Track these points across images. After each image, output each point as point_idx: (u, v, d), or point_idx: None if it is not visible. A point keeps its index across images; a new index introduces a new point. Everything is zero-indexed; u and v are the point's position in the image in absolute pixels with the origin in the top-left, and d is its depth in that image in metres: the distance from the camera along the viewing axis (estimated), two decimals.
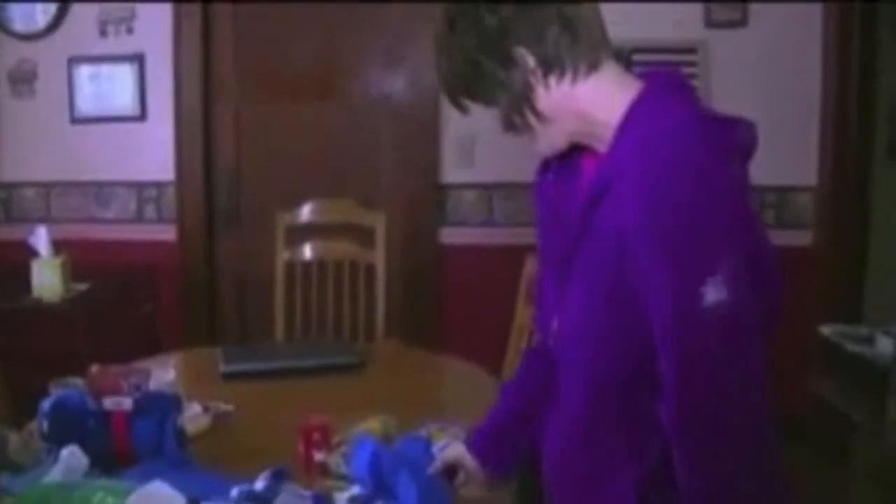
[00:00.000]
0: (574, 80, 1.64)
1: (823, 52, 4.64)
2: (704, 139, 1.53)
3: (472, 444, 2.02)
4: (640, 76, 1.69)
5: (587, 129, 1.67)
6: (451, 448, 2.06)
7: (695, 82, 4.58)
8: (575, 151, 1.76)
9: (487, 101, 1.70)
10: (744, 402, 1.48)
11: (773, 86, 4.61)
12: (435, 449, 2.02)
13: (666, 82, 1.67)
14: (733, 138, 1.60)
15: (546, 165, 1.85)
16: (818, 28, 4.63)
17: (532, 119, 1.67)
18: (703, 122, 1.59)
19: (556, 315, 1.78)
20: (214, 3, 4.94)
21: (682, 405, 1.49)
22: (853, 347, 3.93)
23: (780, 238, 4.57)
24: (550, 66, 1.63)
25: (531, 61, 1.63)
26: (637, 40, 4.57)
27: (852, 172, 4.67)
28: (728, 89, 4.58)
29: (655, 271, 1.49)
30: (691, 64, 4.60)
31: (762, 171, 4.64)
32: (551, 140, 1.72)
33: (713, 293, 1.43)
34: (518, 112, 1.67)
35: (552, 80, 1.64)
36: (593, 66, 1.65)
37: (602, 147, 1.66)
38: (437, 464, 1.99)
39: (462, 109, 1.75)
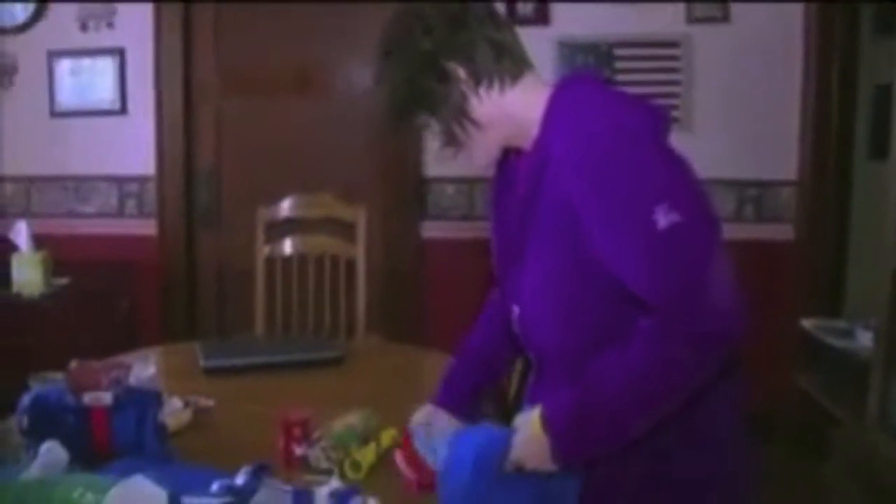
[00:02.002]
0: (502, 89, 1.84)
1: (805, 47, 4.65)
2: (619, 102, 1.75)
3: (440, 400, 2.23)
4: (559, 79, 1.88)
5: (518, 130, 1.86)
6: (419, 412, 2.22)
7: (677, 76, 4.59)
8: (511, 156, 1.95)
9: (429, 114, 1.88)
10: (720, 309, 1.58)
11: (754, 80, 4.63)
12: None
13: (580, 75, 1.92)
14: (649, 110, 1.76)
15: (496, 177, 2.04)
16: (800, 23, 4.65)
17: (470, 128, 1.85)
18: (617, 94, 1.80)
19: (515, 303, 1.93)
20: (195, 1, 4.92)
21: (667, 324, 1.59)
22: (833, 341, 3.95)
23: (761, 232, 4.66)
24: (480, 77, 1.83)
25: (463, 74, 1.82)
26: (619, 35, 4.58)
27: (833, 167, 4.69)
28: (710, 84, 4.60)
29: (607, 222, 1.64)
30: (673, 58, 4.61)
31: (743, 165, 4.67)
32: (488, 146, 1.90)
33: (664, 219, 1.56)
34: (457, 122, 1.85)
35: (482, 91, 1.83)
36: (516, 77, 1.86)
37: (527, 142, 1.85)
38: (411, 427, 2.15)
39: (404, 130, 2.01)
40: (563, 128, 1.72)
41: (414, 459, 2.06)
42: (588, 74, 1.93)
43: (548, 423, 1.68)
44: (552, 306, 1.81)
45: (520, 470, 1.72)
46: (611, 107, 1.72)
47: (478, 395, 2.28)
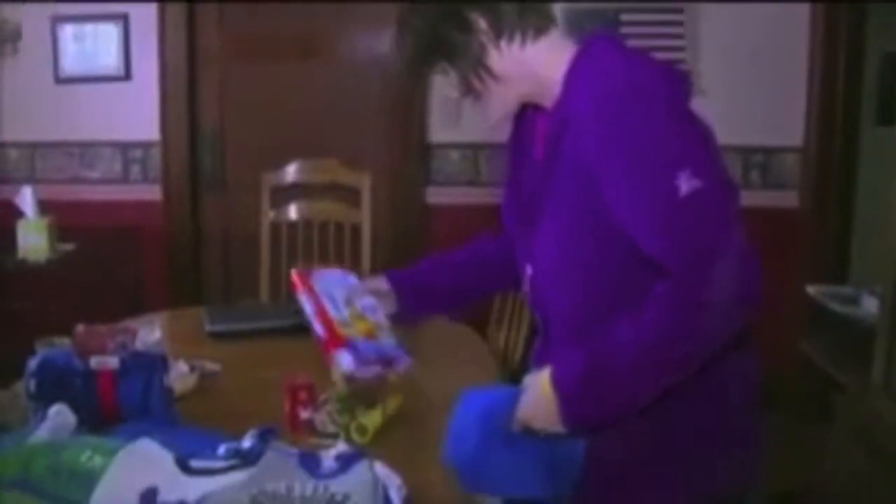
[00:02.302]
0: (523, 43, 1.81)
1: (812, 12, 4.63)
2: (643, 66, 1.72)
3: (392, 275, 2.23)
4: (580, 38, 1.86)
5: (537, 87, 1.84)
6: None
7: (682, 42, 4.57)
8: (528, 113, 1.94)
9: (447, 63, 1.84)
10: (737, 278, 1.59)
11: (760, 45, 4.60)
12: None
13: (601, 37, 1.84)
14: (672, 73, 1.75)
15: (513, 132, 2.03)
16: None
17: (488, 80, 1.82)
18: (645, 57, 1.79)
19: (529, 262, 1.92)
20: None
21: (683, 291, 1.59)
22: (839, 307, 3.94)
23: (766, 199, 4.64)
24: (501, 30, 1.80)
25: (484, 25, 1.79)
26: None
27: (839, 133, 4.67)
28: (716, 48, 4.57)
29: (628, 186, 1.64)
30: (678, 24, 4.58)
31: (748, 131, 4.64)
32: (504, 100, 1.87)
33: (686, 185, 1.57)
34: (475, 73, 1.82)
35: (503, 44, 1.80)
36: (540, 33, 1.82)
37: (548, 100, 1.83)
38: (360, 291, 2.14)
39: (419, 79, 1.93)
40: (586, 89, 1.70)
41: (318, 305, 2.04)
42: (611, 36, 1.89)
43: (556, 383, 1.68)
44: (566, 268, 1.81)
45: (527, 430, 1.72)
46: (635, 69, 1.71)
47: (427, 297, 2.25)
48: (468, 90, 1.85)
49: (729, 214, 1.61)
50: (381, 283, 2.21)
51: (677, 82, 1.72)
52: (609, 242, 1.71)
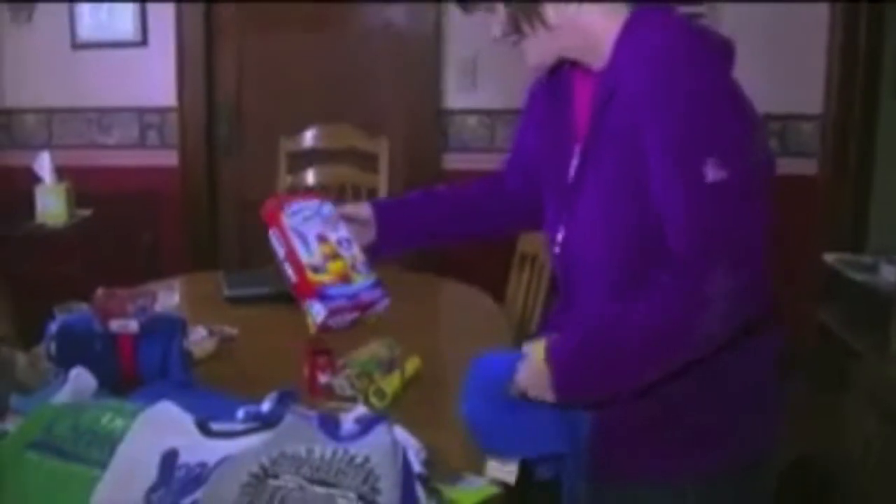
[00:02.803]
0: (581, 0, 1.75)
1: None
2: (698, 41, 1.69)
3: (375, 205, 2.15)
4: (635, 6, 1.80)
5: (584, 46, 1.79)
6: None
7: (703, 9, 4.53)
8: (563, 71, 1.89)
9: (502, 1, 1.77)
10: (745, 277, 1.60)
11: (780, 12, 4.56)
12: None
13: (656, 8, 1.78)
14: (724, 45, 1.72)
15: (538, 86, 2.00)
16: None
17: (538, 26, 1.76)
18: (697, 32, 1.72)
19: (562, 226, 1.88)
20: None
21: (691, 275, 1.60)
22: (857, 275, 3.94)
23: (785, 167, 4.52)
24: None
25: None
26: None
27: (859, 101, 4.64)
28: (736, 14, 4.53)
29: (663, 159, 1.63)
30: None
31: (767, 98, 4.62)
32: (547, 50, 1.81)
33: (713, 173, 1.56)
34: (527, 17, 1.76)
35: None
36: None
37: (596, 63, 1.78)
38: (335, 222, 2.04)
39: (466, 11, 1.87)
40: (642, 64, 1.67)
41: (289, 247, 1.96)
42: (667, 7, 1.81)
43: (551, 354, 1.69)
44: (605, 237, 1.78)
45: (524, 397, 1.73)
46: (691, 46, 1.67)
47: (407, 232, 2.18)
48: (513, 31, 1.79)
49: (747, 209, 1.61)
50: (363, 210, 2.13)
51: (726, 55, 1.70)
52: (651, 215, 1.69)
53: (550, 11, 1.74)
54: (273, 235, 1.98)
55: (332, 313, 1.90)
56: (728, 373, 1.76)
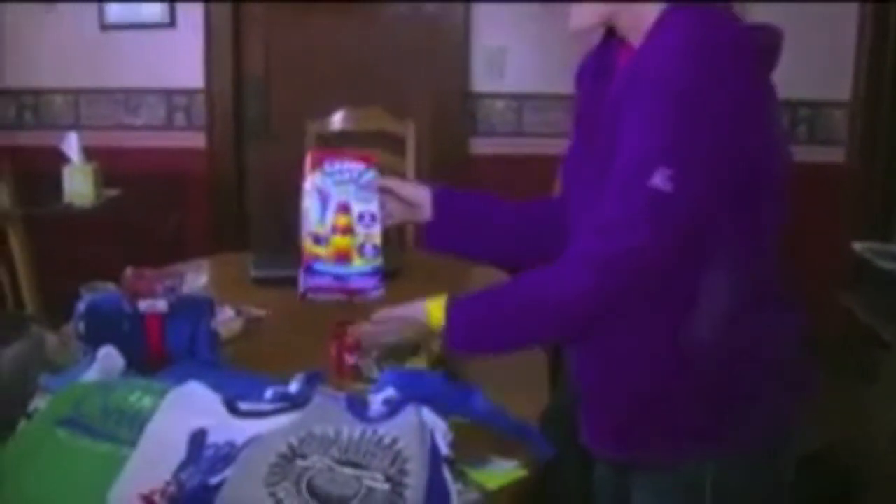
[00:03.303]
0: None
1: None
2: (728, 47, 1.64)
3: (439, 193, 2.10)
4: None
5: (629, 15, 1.73)
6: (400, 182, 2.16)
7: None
8: (611, 48, 1.84)
9: None
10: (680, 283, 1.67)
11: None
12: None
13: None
14: (757, 46, 1.70)
15: (588, 64, 1.92)
16: None
17: None
18: (730, 30, 1.69)
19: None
20: None
21: (586, 263, 1.69)
22: (885, 264, 3.92)
23: (813, 154, 4.60)
24: None
25: None
26: None
27: (888, 88, 4.61)
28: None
29: (629, 136, 1.62)
30: None
31: (796, 85, 4.59)
32: (586, 13, 1.76)
33: (659, 180, 1.56)
34: None
35: None
36: None
37: (636, 38, 1.74)
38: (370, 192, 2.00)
39: None
40: (664, 51, 1.64)
41: (304, 205, 1.99)
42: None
43: (452, 303, 1.84)
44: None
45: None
46: (709, 48, 1.62)
47: (466, 230, 2.12)
48: None
49: (678, 228, 1.63)
50: (422, 193, 2.09)
51: (759, 59, 1.70)
52: None
53: None
54: (304, 188, 1.99)
55: (312, 289, 1.96)
56: (748, 349, 1.76)
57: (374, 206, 1.98)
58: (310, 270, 1.95)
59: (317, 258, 1.95)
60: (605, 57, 1.86)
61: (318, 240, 1.95)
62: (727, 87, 1.60)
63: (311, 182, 1.98)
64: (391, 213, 2.07)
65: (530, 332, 1.82)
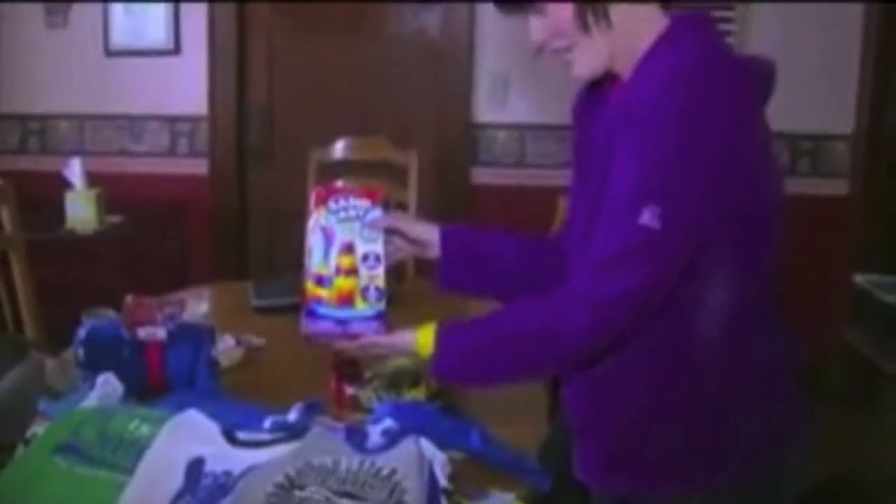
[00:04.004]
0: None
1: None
2: (720, 79, 1.63)
3: (447, 234, 2.10)
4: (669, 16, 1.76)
5: (625, 50, 1.72)
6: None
7: (732, 26, 4.53)
8: (605, 84, 1.83)
9: None
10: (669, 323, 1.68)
11: (811, 31, 4.55)
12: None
13: (691, 19, 1.74)
14: (750, 78, 1.68)
15: (582, 97, 1.93)
16: None
17: (602, 24, 1.70)
18: (721, 61, 1.68)
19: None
20: None
21: (582, 296, 1.68)
22: (887, 297, 3.92)
23: (816, 187, 4.60)
24: None
25: None
26: None
27: (889, 121, 4.61)
28: (766, 33, 4.52)
29: (619, 171, 1.63)
30: (729, 7, 4.54)
31: (798, 118, 4.60)
32: (596, 57, 1.75)
33: (648, 218, 1.56)
34: (593, 11, 1.69)
35: None
36: None
37: (626, 72, 1.74)
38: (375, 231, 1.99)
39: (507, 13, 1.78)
40: (657, 84, 1.62)
41: (308, 243, 1.97)
42: (700, 17, 1.75)
43: (441, 331, 1.82)
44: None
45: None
46: (709, 90, 1.60)
47: (474, 271, 2.10)
48: (581, 24, 1.70)
49: (669, 264, 1.64)
50: (430, 232, 2.09)
51: (753, 87, 1.68)
52: None
53: (614, 9, 1.69)
54: (309, 224, 1.97)
55: (313, 336, 1.95)
56: (741, 382, 1.75)
57: (378, 247, 1.97)
58: (312, 314, 1.93)
59: (319, 301, 1.93)
60: (597, 90, 1.86)
61: (321, 281, 1.93)
62: (717, 120, 1.59)
63: (315, 220, 1.96)
64: (399, 248, 2.08)
65: (519, 365, 1.80)
